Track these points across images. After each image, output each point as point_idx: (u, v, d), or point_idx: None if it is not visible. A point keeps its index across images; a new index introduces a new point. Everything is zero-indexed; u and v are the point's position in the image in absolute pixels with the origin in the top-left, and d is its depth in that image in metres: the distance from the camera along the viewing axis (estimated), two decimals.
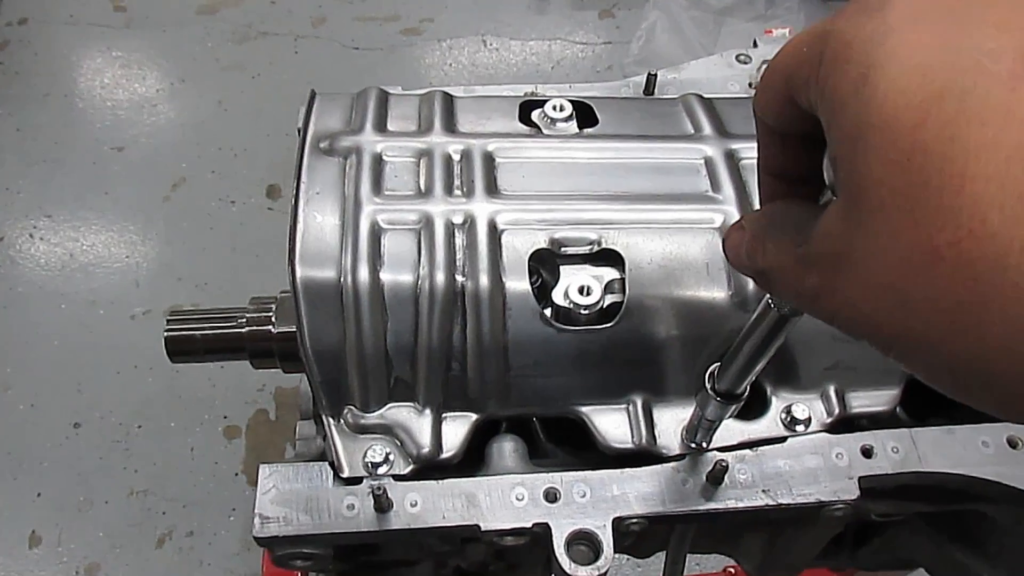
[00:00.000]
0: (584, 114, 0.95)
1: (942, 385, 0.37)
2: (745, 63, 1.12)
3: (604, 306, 0.82)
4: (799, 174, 0.49)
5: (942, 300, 0.34)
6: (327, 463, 0.81)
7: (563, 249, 0.83)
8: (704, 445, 0.81)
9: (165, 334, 0.97)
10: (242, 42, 3.52)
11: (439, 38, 3.56)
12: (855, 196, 0.37)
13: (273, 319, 0.93)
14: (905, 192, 0.34)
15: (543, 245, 0.82)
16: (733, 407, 0.74)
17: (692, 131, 0.93)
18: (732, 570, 2.02)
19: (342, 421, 0.82)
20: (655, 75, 1.06)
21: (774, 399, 0.85)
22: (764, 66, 1.12)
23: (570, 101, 0.95)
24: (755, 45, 1.14)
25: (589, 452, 0.90)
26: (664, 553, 1.02)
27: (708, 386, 0.73)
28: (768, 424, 0.84)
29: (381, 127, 0.90)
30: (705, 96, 0.99)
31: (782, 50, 0.45)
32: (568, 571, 0.75)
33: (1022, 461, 0.82)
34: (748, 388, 0.72)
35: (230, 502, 2.52)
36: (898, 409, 0.95)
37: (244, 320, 0.95)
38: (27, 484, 2.52)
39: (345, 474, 0.80)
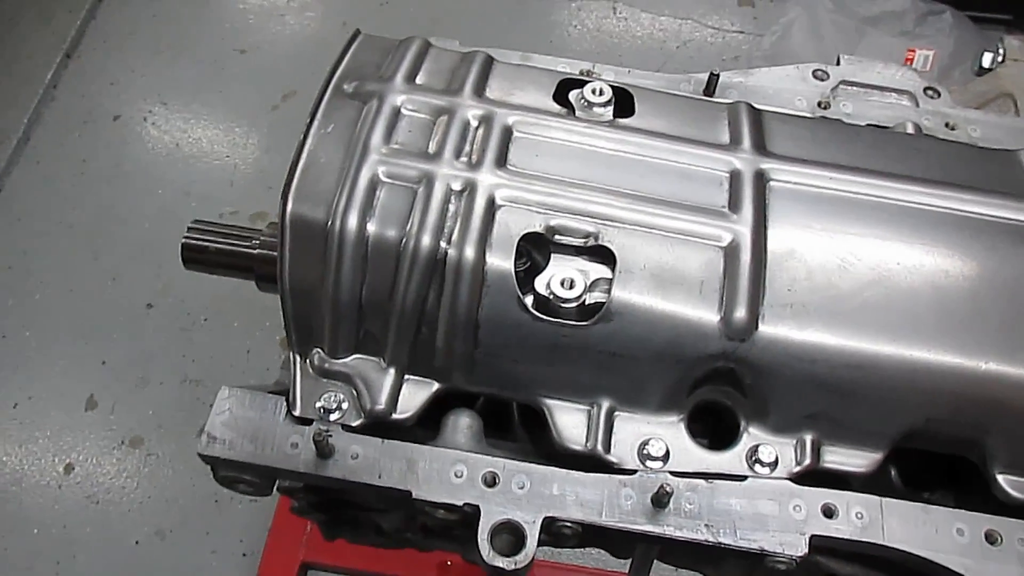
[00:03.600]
0: (623, 102, 0.92)
1: None
2: (822, 80, 1.05)
3: (585, 303, 0.79)
4: None
5: None
6: (284, 398, 0.82)
7: (557, 237, 0.81)
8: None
9: (183, 240, 1.01)
10: None
11: None
12: None
13: None
14: None
15: (537, 228, 0.80)
16: None
17: (728, 141, 0.88)
18: None
19: (308, 361, 0.83)
20: (717, 75, 1.01)
21: (745, 435, 0.81)
22: (841, 85, 1.05)
23: (611, 87, 0.91)
24: (837, 63, 1.07)
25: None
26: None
27: None
28: (731, 459, 0.80)
29: (411, 79, 0.89)
30: (757, 107, 0.94)
31: None
32: (486, 558, 0.75)
33: (995, 558, 0.76)
34: None
35: None
36: (892, 472, 0.89)
37: (257, 242, 0.97)
38: (95, 350, 2.67)
39: (296, 412, 0.81)
